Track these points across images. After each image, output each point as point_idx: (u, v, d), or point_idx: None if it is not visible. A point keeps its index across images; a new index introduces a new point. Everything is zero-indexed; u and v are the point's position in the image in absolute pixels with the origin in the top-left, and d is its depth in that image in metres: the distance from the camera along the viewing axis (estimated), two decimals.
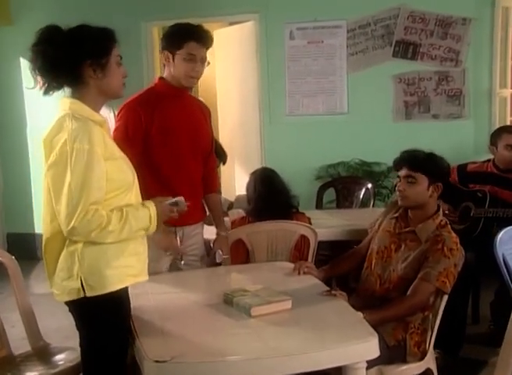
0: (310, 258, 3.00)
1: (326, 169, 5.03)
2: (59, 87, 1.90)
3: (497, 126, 4.70)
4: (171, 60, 2.60)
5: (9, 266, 2.57)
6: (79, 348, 2.02)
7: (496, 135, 3.48)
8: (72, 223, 1.77)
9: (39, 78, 1.87)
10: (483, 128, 4.76)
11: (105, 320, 1.91)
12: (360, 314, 2.11)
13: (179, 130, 2.64)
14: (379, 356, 1.88)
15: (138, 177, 2.03)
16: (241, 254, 3.01)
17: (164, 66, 2.69)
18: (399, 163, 2.57)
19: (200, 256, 2.84)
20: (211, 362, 1.77)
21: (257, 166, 4.18)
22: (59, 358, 2.46)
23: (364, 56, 4.97)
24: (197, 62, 2.58)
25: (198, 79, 2.67)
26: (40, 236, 1.97)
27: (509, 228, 2.60)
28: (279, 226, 3.00)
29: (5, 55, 5.45)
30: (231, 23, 5.82)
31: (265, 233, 3.00)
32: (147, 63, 5.30)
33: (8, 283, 2.58)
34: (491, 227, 3.17)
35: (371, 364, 1.96)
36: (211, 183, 2.86)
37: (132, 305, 2.03)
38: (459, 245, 2.40)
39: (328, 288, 2.35)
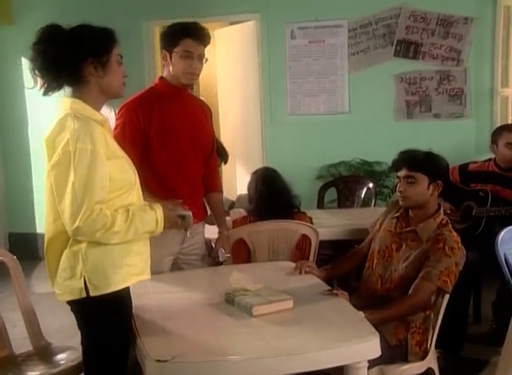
0: (311, 258, 3.00)
1: (328, 169, 5.03)
2: (59, 87, 1.90)
3: (499, 125, 4.70)
4: (169, 59, 2.61)
5: (11, 265, 2.57)
6: (80, 348, 2.02)
7: (497, 134, 3.48)
8: (77, 222, 1.78)
9: (39, 78, 1.87)
10: (485, 127, 4.76)
11: (107, 319, 1.91)
12: (361, 313, 2.11)
13: (179, 129, 2.64)
14: (381, 356, 1.88)
15: (139, 177, 2.03)
16: (242, 253, 3.01)
17: (164, 65, 2.69)
18: (398, 164, 2.57)
19: (201, 256, 2.84)
20: (213, 362, 1.77)
21: (258, 165, 4.17)
22: (61, 357, 2.46)
23: (366, 56, 4.96)
24: (194, 58, 2.57)
25: (197, 76, 2.66)
26: (42, 236, 1.97)
27: (510, 227, 2.60)
28: (281, 225, 3.00)
29: (7, 55, 5.46)
30: (232, 23, 5.82)
31: (267, 233, 3.00)
32: (148, 63, 5.30)
33: (10, 283, 2.59)
34: (493, 226, 3.16)
35: (372, 363, 1.96)
36: (212, 183, 2.86)
37: (133, 305, 2.03)
38: (460, 244, 2.40)
39: (329, 288, 2.36)
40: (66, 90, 1.92)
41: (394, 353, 2.31)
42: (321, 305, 2.18)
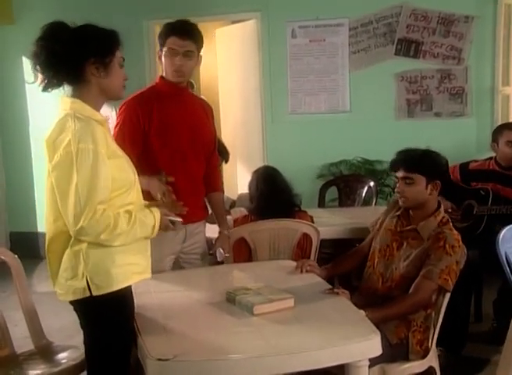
0: (312, 257, 3.00)
1: (328, 168, 5.03)
2: (59, 83, 1.90)
3: (499, 123, 4.70)
4: (162, 58, 2.63)
5: (12, 264, 2.58)
6: (82, 347, 2.03)
7: (497, 132, 3.49)
8: (81, 223, 1.78)
9: (39, 74, 1.87)
10: (485, 126, 4.75)
11: (110, 319, 1.92)
12: (362, 312, 2.11)
13: (179, 128, 2.64)
14: (382, 354, 1.88)
15: (139, 176, 2.03)
16: (243, 252, 3.01)
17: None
18: (395, 164, 2.56)
19: (202, 255, 2.84)
20: (214, 360, 1.77)
21: (259, 164, 4.17)
22: (62, 356, 2.47)
23: (366, 54, 4.96)
24: (178, 55, 2.56)
25: (185, 73, 2.62)
26: (43, 235, 1.97)
27: (511, 226, 2.60)
28: (282, 224, 3.01)
29: (7, 54, 5.46)
30: (233, 22, 5.82)
31: (268, 232, 3.00)
32: (149, 62, 5.30)
33: (11, 282, 2.59)
34: (494, 225, 3.16)
35: (373, 362, 1.96)
36: (213, 182, 2.86)
37: (135, 304, 2.03)
38: (461, 242, 2.39)
39: (330, 286, 2.36)
40: (66, 89, 1.92)
41: (395, 352, 2.31)
42: (322, 303, 2.18)
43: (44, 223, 1.98)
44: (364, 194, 4.47)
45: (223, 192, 3.03)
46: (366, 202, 4.42)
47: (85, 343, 1.98)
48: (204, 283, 2.66)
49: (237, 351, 1.83)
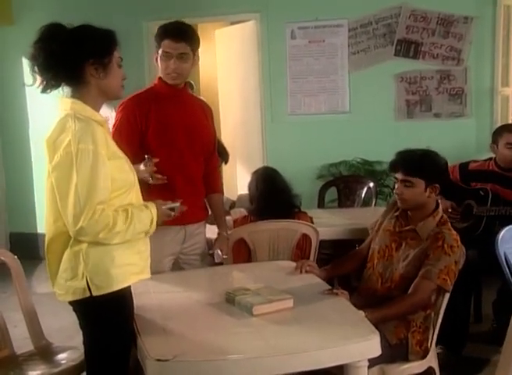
0: (312, 257, 3.00)
1: (328, 168, 5.03)
2: (58, 85, 1.90)
3: (499, 124, 4.69)
4: (158, 60, 2.63)
5: (12, 265, 2.58)
6: (81, 348, 2.03)
7: (497, 134, 3.48)
8: (80, 223, 1.78)
9: (38, 76, 1.87)
10: (485, 127, 4.76)
11: (109, 319, 1.92)
12: (361, 312, 2.11)
13: (176, 129, 2.64)
14: (381, 355, 1.88)
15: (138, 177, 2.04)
16: (243, 253, 3.01)
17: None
18: (394, 166, 2.55)
19: (202, 256, 2.84)
20: (213, 361, 1.78)
21: (259, 165, 4.18)
22: (62, 357, 2.47)
23: (366, 55, 4.96)
24: (172, 58, 2.57)
25: (181, 75, 2.62)
26: (43, 235, 1.97)
27: (511, 226, 2.60)
28: (281, 225, 3.01)
29: (7, 55, 5.47)
30: (232, 23, 5.83)
31: (267, 233, 3.00)
32: (148, 63, 5.29)
33: (11, 283, 2.59)
34: (493, 226, 3.17)
35: (372, 363, 1.96)
36: (213, 183, 2.86)
37: (134, 304, 2.03)
38: (459, 242, 2.40)
39: (329, 287, 2.36)
40: (65, 90, 1.92)
41: (394, 352, 2.31)
42: (321, 304, 2.18)
43: (43, 224, 1.98)
44: (363, 195, 4.47)
45: (223, 193, 3.02)
46: (365, 203, 4.42)
47: (84, 343, 1.98)
48: (204, 283, 2.66)
49: (237, 351, 1.83)
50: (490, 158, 3.54)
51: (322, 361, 1.83)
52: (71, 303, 1.93)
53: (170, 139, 2.63)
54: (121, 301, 1.92)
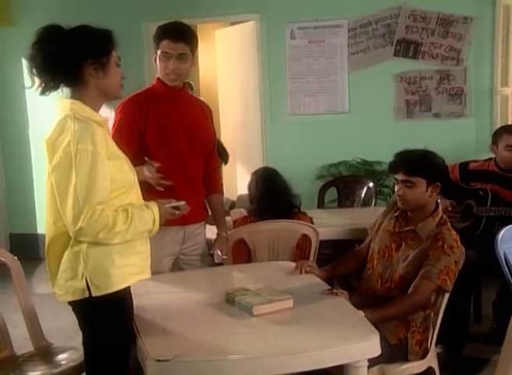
0: (311, 258, 3.00)
1: (328, 169, 5.04)
2: (56, 86, 1.90)
3: (499, 124, 4.70)
4: (157, 60, 2.63)
5: (12, 266, 2.58)
6: (81, 348, 2.03)
7: (497, 135, 3.48)
8: (80, 223, 1.78)
9: (36, 78, 1.87)
10: (485, 127, 4.76)
11: (109, 320, 1.92)
12: (361, 313, 2.11)
13: (175, 130, 2.64)
14: (381, 355, 1.88)
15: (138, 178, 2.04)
16: (243, 253, 3.01)
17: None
18: (394, 167, 2.55)
19: (202, 256, 2.84)
20: (213, 361, 1.78)
21: (258, 165, 4.18)
22: (62, 357, 2.47)
23: (366, 55, 4.97)
24: (172, 59, 2.57)
25: (180, 76, 2.63)
26: (43, 236, 1.97)
27: (510, 226, 2.61)
28: (281, 225, 3.01)
29: (7, 56, 5.47)
30: (232, 23, 5.83)
31: (267, 233, 3.00)
32: (148, 63, 5.29)
33: (11, 284, 2.59)
34: (493, 226, 3.17)
35: (372, 363, 1.96)
36: (213, 184, 2.86)
37: (134, 305, 2.03)
38: (459, 243, 2.40)
39: (329, 287, 2.36)
40: (64, 91, 1.92)
41: (394, 352, 2.31)
42: (321, 304, 2.18)
43: (43, 225, 1.98)
44: (363, 195, 4.47)
45: (223, 194, 3.03)
46: (365, 203, 4.42)
47: (84, 344, 1.98)
48: (204, 284, 2.66)
49: (237, 351, 1.83)
50: (490, 159, 3.53)
51: (322, 361, 1.84)
52: (71, 303, 1.93)
53: (169, 139, 2.63)
54: (120, 301, 1.92)
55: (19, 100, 5.49)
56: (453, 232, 2.43)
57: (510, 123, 4.91)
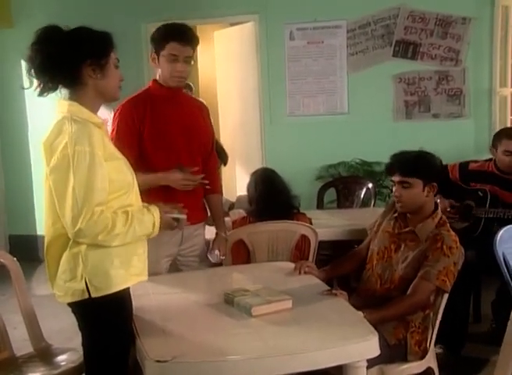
0: (310, 258, 3.00)
1: (327, 169, 5.04)
2: (55, 87, 1.90)
3: (497, 125, 4.72)
4: (157, 62, 2.62)
5: (11, 267, 2.58)
6: (81, 349, 2.03)
7: (497, 139, 3.46)
8: (79, 225, 1.78)
9: (34, 79, 1.87)
10: (483, 127, 4.77)
11: (108, 321, 1.92)
12: (360, 313, 2.11)
13: (173, 130, 2.64)
14: (380, 355, 1.88)
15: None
16: (242, 254, 3.01)
17: (154, 68, 2.69)
18: (390, 169, 2.56)
19: (200, 257, 2.83)
20: (213, 362, 1.78)
21: (258, 166, 4.18)
22: (61, 359, 2.47)
23: (365, 56, 4.97)
24: (180, 62, 2.57)
25: (185, 78, 2.65)
26: (42, 237, 1.97)
27: (509, 227, 2.61)
28: (280, 226, 3.01)
29: (6, 58, 5.47)
30: (231, 24, 5.84)
31: (266, 234, 3.00)
32: (147, 64, 5.29)
33: (11, 285, 2.59)
34: (491, 227, 3.17)
35: (371, 363, 1.97)
36: (212, 184, 2.85)
37: (133, 306, 2.03)
38: (458, 244, 2.40)
39: (328, 288, 2.36)
40: (62, 92, 1.92)
41: (393, 353, 2.31)
42: (320, 304, 2.18)
43: (43, 226, 1.98)
44: (362, 196, 4.48)
45: (222, 194, 3.03)
46: (364, 204, 4.43)
47: (83, 345, 1.98)
48: (203, 285, 2.66)
49: (236, 352, 1.84)
50: (490, 159, 3.53)
51: (321, 361, 1.84)
52: (70, 305, 1.94)
53: (168, 140, 2.63)
54: (120, 302, 1.92)
55: (19, 101, 5.49)
56: (452, 233, 2.43)
57: (509, 123, 4.92)
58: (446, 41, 4.79)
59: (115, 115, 2.63)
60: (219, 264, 2.84)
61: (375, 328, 1.93)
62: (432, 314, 2.40)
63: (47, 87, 1.89)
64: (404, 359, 2.35)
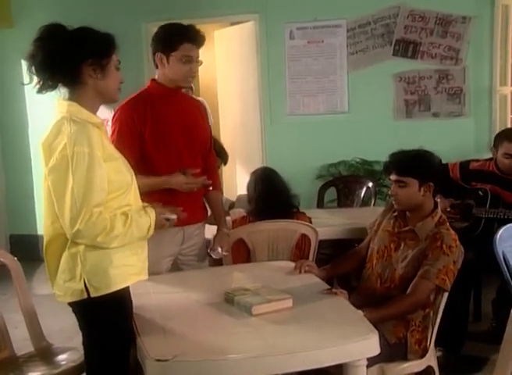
0: (311, 257, 3.00)
1: (327, 169, 5.04)
2: (54, 86, 1.90)
3: (498, 123, 4.72)
4: (165, 62, 2.59)
5: (12, 267, 2.58)
6: (81, 348, 2.03)
7: (498, 140, 3.44)
8: (77, 225, 1.78)
9: (35, 76, 1.87)
10: (484, 126, 4.77)
11: (108, 320, 1.92)
12: (360, 312, 2.11)
13: (173, 129, 2.64)
14: (380, 354, 1.88)
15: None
16: (242, 253, 3.01)
17: (157, 67, 2.68)
18: (388, 168, 2.57)
19: (201, 256, 2.84)
20: (213, 361, 1.78)
21: (258, 165, 4.18)
22: (62, 358, 2.47)
23: (365, 55, 4.97)
24: (193, 63, 2.59)
25: (194, 78, 2.71)
26: (43, 237, 1.97)
27: (509, 225, 2.61)
28: (280, 225, 3.01)
29: (7, 58, 5.48)
30: (231, 24, 5.84)
31: (266, 233, 3.01)
32: (147, 64, 5.29)
33: (11, 285, 2.60)
34: (491, 226, 3.17)
35: (371, 362, 1.97)
36: (212, 181, 2.86)
37: (134, 305, 2.03)
38: (458, 242, 2.40)
39: (328, 286, 2.36)
40: (62, 92, 1.92)
41: (393, 351, 2.32)
42: (320, 303, 2.19)
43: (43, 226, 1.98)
44: (362, 195, 4.48)
45: (222, 192, 3.03)
46: (365, 203, 4.43)
47: (84, 344, 1.99)
48: (203, 284, 2.66)
49: (236, 351, 1.84)
50: (491, 159, 3.52)
51: (321, 360, 1.84)
52: (70, 304, 1.94)
53: (168, 140, 2.63)
54: (120, 301, 1.93)
55: (19, 101, 5.49)
56: (452, 232, 2.43)
57: (509, 121, 4.92)
58: (446, 40, 4.79)
59: (114, 116, 2.62)
60: (220, 260, 2.83)
61: (375, 327, 1.93)
62: (432, 313, 2.40)
63: (46, 84, 1.88)
64: (404, 358, 2.35)
